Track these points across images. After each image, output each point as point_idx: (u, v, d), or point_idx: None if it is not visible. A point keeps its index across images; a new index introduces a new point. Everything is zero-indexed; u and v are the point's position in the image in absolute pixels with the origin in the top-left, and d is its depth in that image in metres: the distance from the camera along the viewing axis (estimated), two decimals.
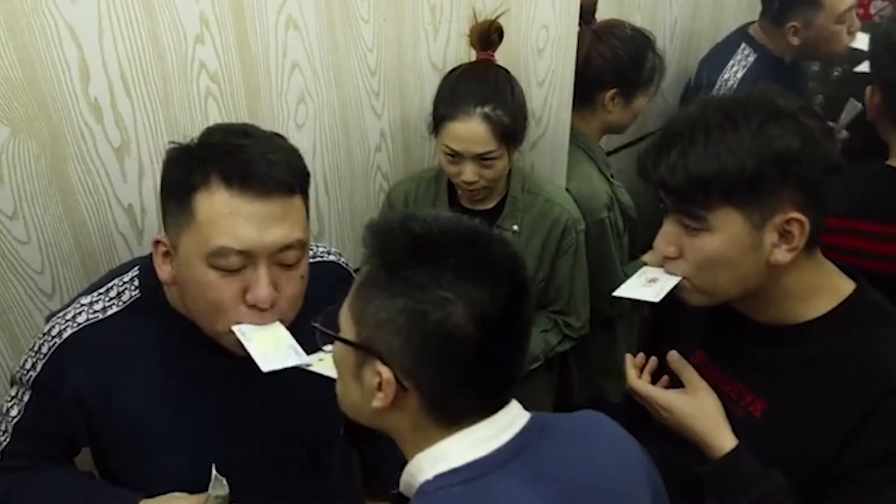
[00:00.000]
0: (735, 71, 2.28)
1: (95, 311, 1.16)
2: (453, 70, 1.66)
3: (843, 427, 1.04)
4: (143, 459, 1.18)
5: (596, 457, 0.93)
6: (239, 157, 1.03)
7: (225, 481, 1.13)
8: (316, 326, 0.94)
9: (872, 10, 2.82)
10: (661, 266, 1.15)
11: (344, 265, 1.38)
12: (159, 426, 1.16)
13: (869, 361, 1.05)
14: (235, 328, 1.06)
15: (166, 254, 1.10)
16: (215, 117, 1.46)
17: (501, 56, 1.69)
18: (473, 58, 1.69)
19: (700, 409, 1.15)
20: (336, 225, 1.79)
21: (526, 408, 0.93)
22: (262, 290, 1.04)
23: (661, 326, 1.43)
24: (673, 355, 1.22)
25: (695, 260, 1.08)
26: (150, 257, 1.16)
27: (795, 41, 2.22)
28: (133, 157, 1.38)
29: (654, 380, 1.25)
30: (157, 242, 1.11)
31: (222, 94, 1.45)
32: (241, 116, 1.49)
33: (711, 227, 1.04)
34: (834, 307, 1.09)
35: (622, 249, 1.97)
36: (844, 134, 2.29)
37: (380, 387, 0.84)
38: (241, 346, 1.06)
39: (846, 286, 1.11)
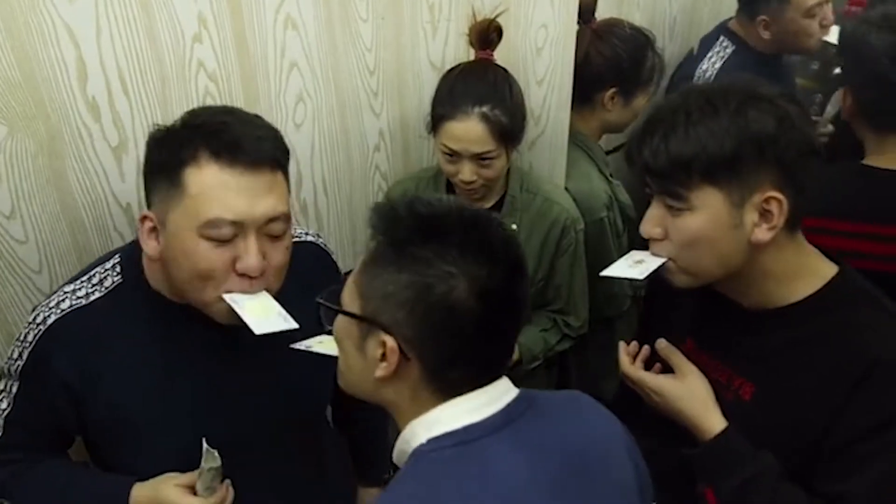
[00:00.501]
0: (713, 62, 2.30)
1: (79, 298, 1.18)
2: (452, 69, 1.66)
3: (829, 405, 1.07)
4: (134, 444, 1.20)
5: (583, 429, 0.98)
6: (226, 133, 1.07)
7: (217, 453, 1.14)
8: (320, 302, 0.98)
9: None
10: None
11: (323, 246, 1.41)
12: (147, 409, 1.18)
13: (852, 339, 1.08)
14: (227, 296, 1.09)
15: (153, 229, 1.12)
16: None
17: (500, 55, 1.69)
18: (472, 57, 1.69)
19: (689, 392, 1.18)
20: (335, 224, 1.79)
21: None
22: (252, 258, 1.08)
23: (651, 321, 1.45)
24: (661, 343, 1.26)
25: (679, 240, 1.11)
26: (129, 246, 1.20)
27: (766, 35, 2.24)
28: (131, 157, 1.38)
29: (647, 369, 1.27)
30: (143, 218, 1.13)
31: (220, 94, 1.45)
32: None
33: (693, 207, 1.07)
34: (817, 290, 1.12)
35: (621, 248, 1.97)
36: (829, 128, 2.29)
37: (383, 357, 0.89)
38: (230, 314, 1.10)
39: (829, 269, 1.14)
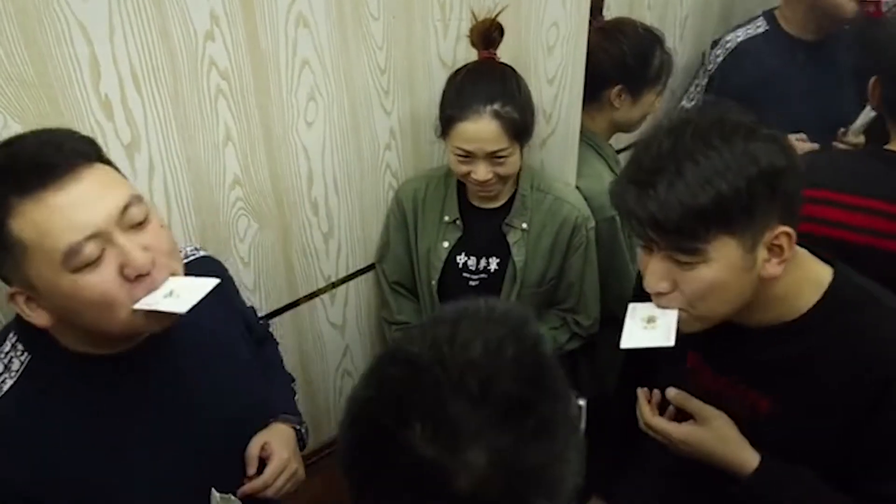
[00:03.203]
0: (737, 35, 2.28)
1: None
2: (457, 71, 1.65)
3: (853, 413, 1.06)
4: None
5: None
6: (19, 164, 0.95)
7: (232, 497, 1.13)
8: None
9: (884, 8, 2.79)
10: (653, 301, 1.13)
11: (214, 258, 1.35)
12: (113, 477, 1.09)
13: (863, 348, 1.07)
14: (137, 306, 1.00)
15: (29, 299, 1.01)
16: (225, 114, 1.46)
17: (510, 54, 1.69)
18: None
19: (717, 436, 1.16)
20: (346, 222, 1.79)
21: None
22: (135, 257, 0.98)
23: None
24: (671, 391, 1.22)
25: (692, 291, 1.06)
26: (17, 320, 1.08)
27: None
28: (143, 155, 1.38)
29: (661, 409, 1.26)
30: (12, 296, 1.01)
31: (232, 92, 1.45)
32: (251, 114, 1.50)
33: (709, 259, 1.02)
34: (818, 299, 1.11)
35: (633, 247, 1.96)
36: (861, 138, 2.26)
37: None
38: (152, 321, 1.02)
39: (824, 273, 1.12)
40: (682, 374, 1.26)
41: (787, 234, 1.03)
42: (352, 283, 1.90)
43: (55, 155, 0.96)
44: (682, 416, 1.22)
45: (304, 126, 1.60)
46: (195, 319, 1.06)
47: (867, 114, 2.22)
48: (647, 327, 1.12)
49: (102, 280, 0.97)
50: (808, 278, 1.12)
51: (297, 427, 1.38)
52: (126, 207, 0.99)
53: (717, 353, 1.21)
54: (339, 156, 1.69)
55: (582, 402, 1.03)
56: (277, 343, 1.59)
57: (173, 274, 1.04)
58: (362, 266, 1.90)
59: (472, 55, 1.72)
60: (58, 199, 0.95)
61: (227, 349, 1.27)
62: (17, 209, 0.94)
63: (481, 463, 0.65)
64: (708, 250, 1.01)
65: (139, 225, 1.01)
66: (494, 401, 0.67)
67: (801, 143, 2.24)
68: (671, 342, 1.08)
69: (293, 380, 1.58)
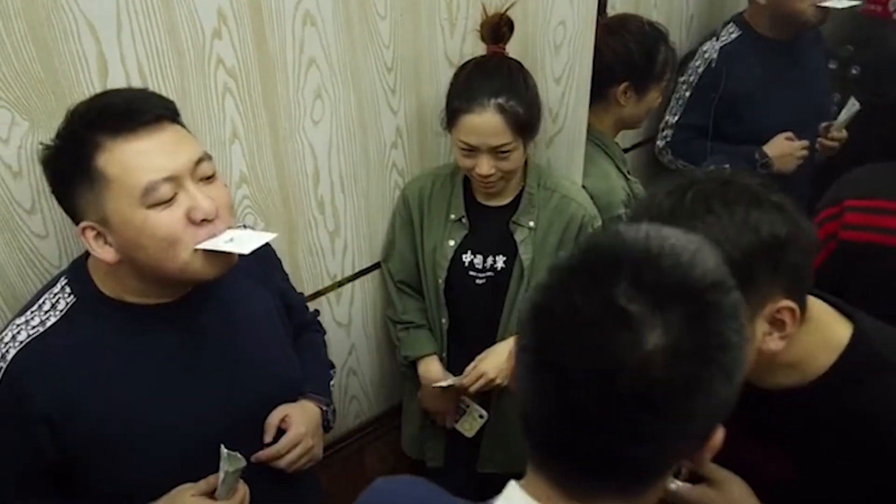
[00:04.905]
0: (714, 45, 2.30)
1: (34, 327, 1.13)
2: (465, 64, 1.66)
3: (868, 492, 1.02)
4: (125, 458, 1.16)
5: None
6: (112, 109, 1.08)
7: (239, 454, 1.15)
8: None
9: (891, 8, 2.79)
10: None
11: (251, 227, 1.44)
12: (130, 420, 1.15)
13: (873, 428, 1.02)
14: (200, 245, 1.11)
15: (98, 235, 1.10)
16: (232, 112, 1.46)
17: (517, 52, 1.69)
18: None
19: (732, 500, 1.11)
20: (352, 220, 1.79)
21: None
22: (202, 201, 1.10)
23: None
24: None
25: None
26: (72, 266, 1.21)
27: (762, 0, 2.23)
28: None
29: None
30: (84, 230, 1.10)
31: (239, 90, 1.45)
32: (258, 111, 1.50)
33: None
34: (832, 364, 1.05)
35: None
36: (843, 133, 2.27)
37: None
38: (207, 266, 1.12)
39: (843, 333, 1.07)
40: None
41: (791, 310, 0.97)
42: (357, 281, 1.90)
43: (145, 106, 1.09)
44: (696, 477, 1.18)
45: (310, 124, 1.60)
46: (231, 287, 1.24)
47: (850, 108, 2.23)
48: None
49: (171, 220, 1.08)
50: (821, 341, 1.06)
51: (324, 408, 1.42)
52: (199, 161, 1.12)
53: (731, 414, 1.18)
54: (345, 154, 1.69)
55: None
56: (324, 333, 1.61)
57: (230, 228, 1.15)
58: (368, 265, 1.90)
59: (478, 53, 1.72)
60: (143, 143, 1.07)
61: (259, 320, 1.33)
62: (107, 147, 1.06)
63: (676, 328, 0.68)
64: None
65: (208, 179, 1.13)
66: (701, 272, 0.72)
67: (791, 143, 2.25)
68: None
69: (332, 367, 1.59)
